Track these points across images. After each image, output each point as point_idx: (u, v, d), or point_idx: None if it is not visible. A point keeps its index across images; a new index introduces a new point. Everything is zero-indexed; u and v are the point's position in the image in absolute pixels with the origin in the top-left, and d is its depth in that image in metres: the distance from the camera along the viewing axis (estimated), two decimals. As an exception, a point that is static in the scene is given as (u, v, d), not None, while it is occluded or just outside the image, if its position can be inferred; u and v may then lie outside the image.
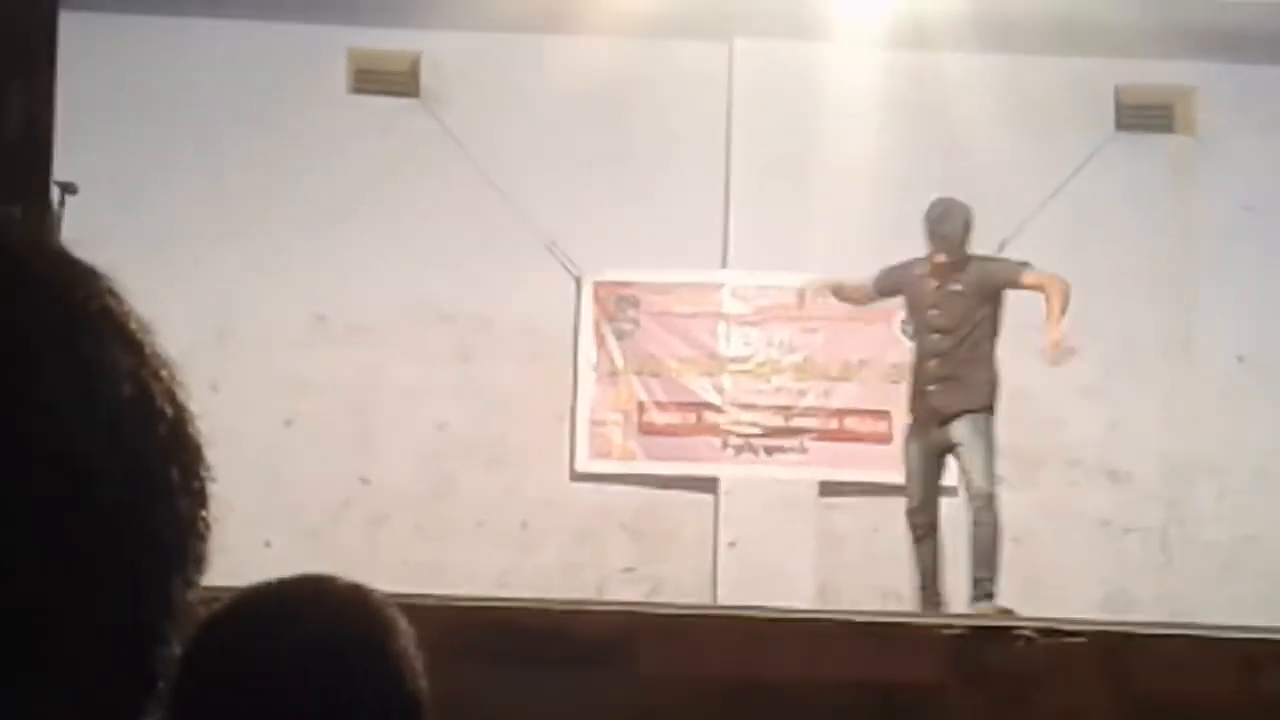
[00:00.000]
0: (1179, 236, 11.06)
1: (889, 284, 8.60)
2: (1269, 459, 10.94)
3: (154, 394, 0.85)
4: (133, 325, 0.86)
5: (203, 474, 0.88)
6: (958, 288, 8.26)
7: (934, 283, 8.29)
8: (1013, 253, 10.36)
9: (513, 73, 10.86)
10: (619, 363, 10.77)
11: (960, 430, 8.19)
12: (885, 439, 10.74)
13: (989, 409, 8.27)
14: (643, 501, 10.79)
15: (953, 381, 8.22)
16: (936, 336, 8.29)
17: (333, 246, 10.64)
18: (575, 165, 10.81)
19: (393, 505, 10.66)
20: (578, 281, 10.80)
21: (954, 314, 8.26)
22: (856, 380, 10.79)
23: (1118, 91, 11.20)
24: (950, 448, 8.26)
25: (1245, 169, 11.08)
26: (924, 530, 8.36)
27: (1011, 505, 10.69)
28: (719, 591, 10.61)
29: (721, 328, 10.83)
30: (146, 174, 10.62)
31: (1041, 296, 8.31)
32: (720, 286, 10.85)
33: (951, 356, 8.25)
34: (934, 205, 8.42)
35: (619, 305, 10.80)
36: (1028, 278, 8.30)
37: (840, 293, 8.91)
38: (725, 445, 10.75)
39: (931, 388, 8.27)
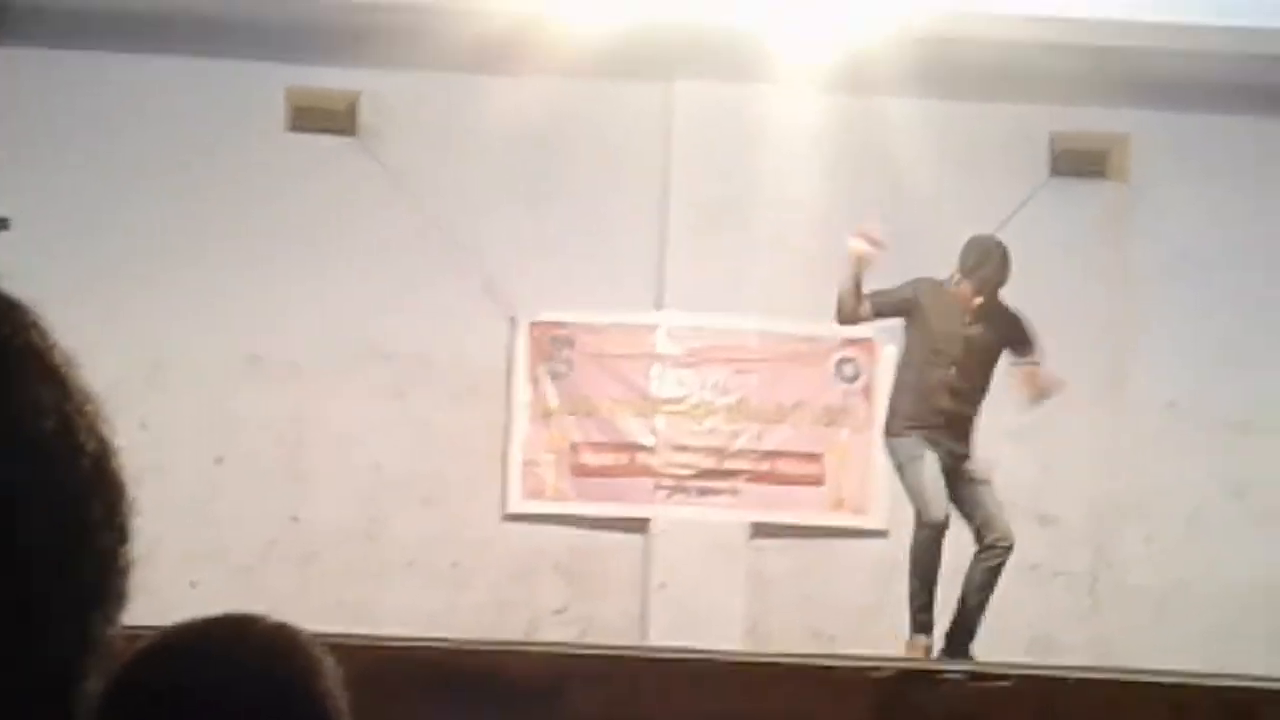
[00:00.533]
0: (1112, 282, 11.15)
1: (894, 306, 8.59)
2: (1198, 505, 11.02)
3: (77, 429, 0.84)
4: (57, 360, 0.85)
5: (126, 511, 0.87)
6: (989, 334, 8.41)
7: (966, 316, 8.38)
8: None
9: (452, 112, 10.86)
10: (553, 403, 10.76)
11: (978, 469, 8.35)
12: (817, 481, 10.77)
13: None
14: (575, 542, 10.77)
15: (964, 421, 8.37)
16: (953, 371, 8.38)
17: (268, 284, 10.60)
18: (513, 205, 10.81)
19: (323, 544, 10.60)
20: (513, 321, 10.79)
21: (975, 355, 8.40)
22: (789, 422, 10.81)
23: (1053, 138, 11.29)
24: (959, 481, 8.31)
25: (1178, 216, 11.18)
26: (941, 533, 8.32)
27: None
28: (649, 633, 10.60)
29: (656, 369, 10.84)
30: (81, 209, 10.56)
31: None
32: (655, 328, 10.87)
33: (962, 395, 8.40)
34: (974, 244, 8.54)
35: (554, 345, 10.79)
36: (1031, 366, 8.47)
37: (843, 309, 8.67)
38: (658, 487, 10.75)
39: (945, 405, 8.32)
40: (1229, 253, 11.14)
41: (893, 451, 8.60)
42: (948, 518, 8.31)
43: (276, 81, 10.83)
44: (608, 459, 10.75)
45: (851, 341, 10.85)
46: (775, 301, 10.80)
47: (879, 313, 8.68)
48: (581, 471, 10.74)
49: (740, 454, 10.78)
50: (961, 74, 10.73)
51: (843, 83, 10.62)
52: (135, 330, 10.44)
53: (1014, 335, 8.51)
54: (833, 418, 10.85)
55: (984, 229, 10.83)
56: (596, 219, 10.87)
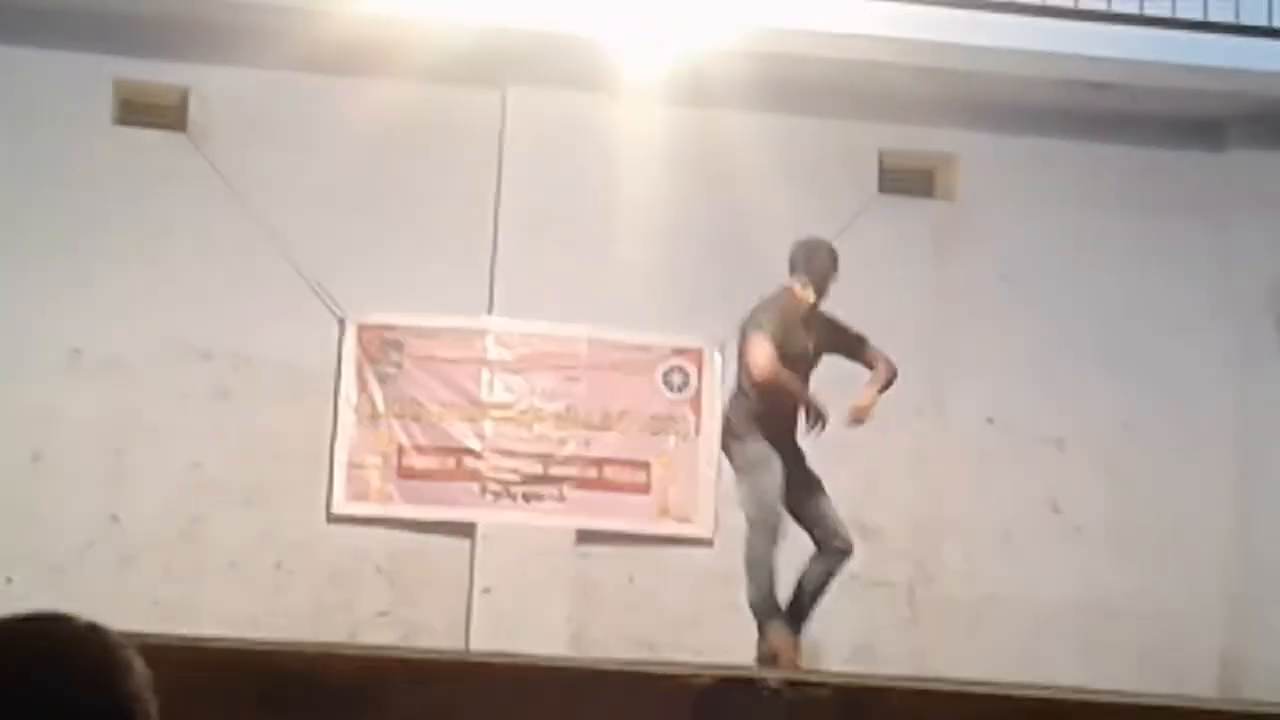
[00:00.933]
0: (935, 299, 11.31)
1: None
2: (1014, 520, 11.22)
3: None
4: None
5: None
6: (808, 342, 8.49)
7: (801, 317, 8.48)
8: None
9: (284, 112, 10.77)
10: (380, 406, 10.71)
11: (812, 478, 8.52)
12: (644, 489, 10.82)
13: None
14: (399, 545, 10.73)
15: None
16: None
17: (92, 279, 10.44)
18: (344, 207, 10.75)
19: (143, 544, 10.46)
20: (341, 323, 10.73)
21: (807, 358, 8.48)
22: (617, 430, 10.85)
23: (882, 155, 11.44)
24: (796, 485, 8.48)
25: (1002, 236, 11.38)
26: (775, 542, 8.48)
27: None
28: (472, 637, 10.58)
29: (485, 374, 10.83)
30: (-101, 197, 10.35)
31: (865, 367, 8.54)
32: (485, 333, 10.86)
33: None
34: (802, 244, 8.60)
35: (382, 348, 10.75)
36: (870, 353, 8.58)
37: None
38: (484, 491, 10.74)
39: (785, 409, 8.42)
40: (1049, 272, 11.36)
41: (735, 455, 8.60)
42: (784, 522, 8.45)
43: (104, 73, 10.68)
44: (434, 463, 10.72)
45: (680, 351, 10.93)
46: (606, 310, 10.84)
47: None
48: (408, 474, 10.70)
49: (567, 460, 10.80)
50: (796, 89, 10.84)
51: (678, 94, 10.69)
52: (-46, 323, 10.25)
53: (839, 340, 8.57)
54: (660, 426, 10.90)
55: (813, 243, 10.97)
56: (428, 222, 10.84)
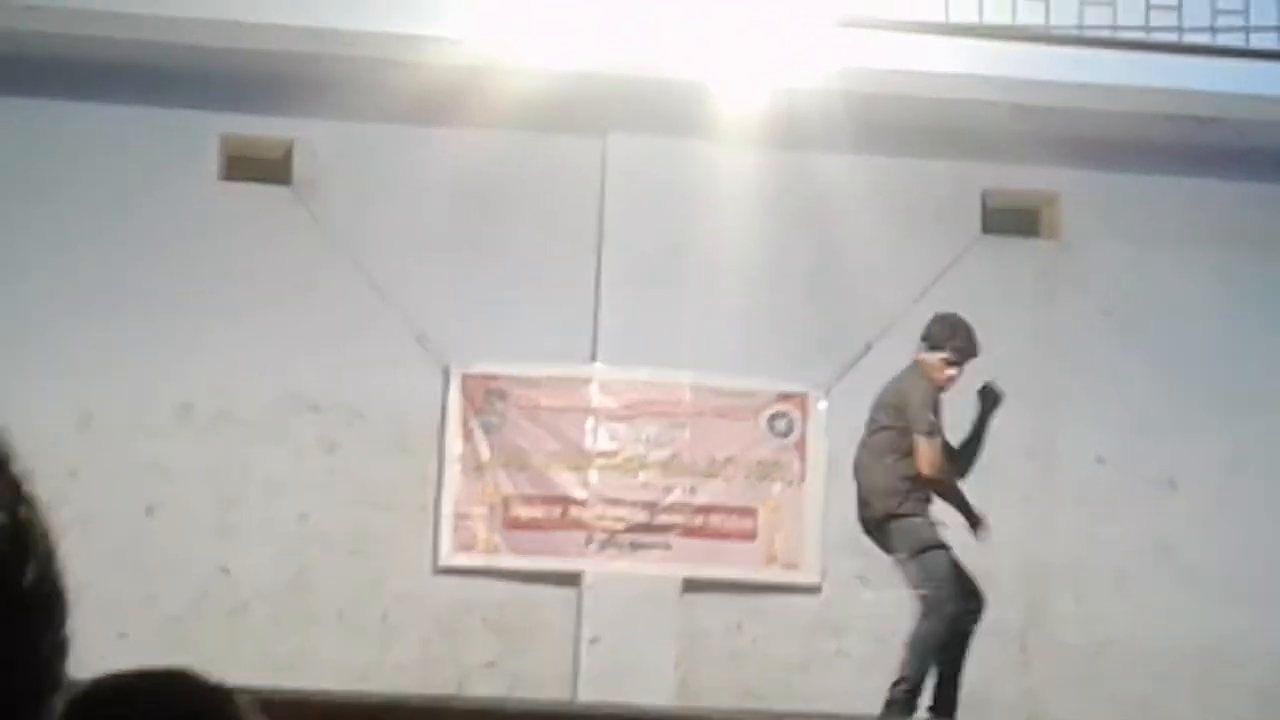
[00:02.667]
0: (1042, 339, 11.21)
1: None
2: (1127, 562, 11.07)
3: (28, 534, 0.81)
4: (8, 462, 0.83)
5: (65, 621, 0.84)
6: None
7: (940, 389, 8.58)
8: (881, 353, 10.47)
9: (386, 162, 10.84)
10: (485, 455, 10.71)
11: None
12: (749, 536, 10.76)
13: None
14: (506, 596, 10.72)
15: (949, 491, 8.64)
16: (938, 440, 8.58)
17: (200, 333, 10.53)
18: (446, 256, 10.79)
19: (253, 596, 10.52)
20: (445, 373, 10.75)
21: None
22: (722, 477, 10.80)
23: (985, 195, 11.36)
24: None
25: (1107, 275, 11.27)
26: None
27: (873, 604, 10.76)
28: (580, 688, 10.55)
29: (589, 422, 10.82)
30: (12, 258, 10.48)
31: None
32: (589, 381, 10.85)
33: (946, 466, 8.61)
34: (946, 319, 8.66)
35: (487, 398, 10.76)
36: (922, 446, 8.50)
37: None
38: (590, 540, 10.71)
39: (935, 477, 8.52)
40: (1155, 310, 11.23)
41: (898, 535, 8.51)
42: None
43: (211, 129, 10.78)
44: (540, 512, 10.71)
45: (784, 396, 10.87)
46: (708, 356, 10.80)
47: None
48: (513, 524, 10.69)
49: (673, 508, 10.76)
50: (896, 131, 10.79)
51: (777, 138, 10.66)
52: (66, 378, 10.35)
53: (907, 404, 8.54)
54: (765, 472, 10.84)
55: (916, 286, 10.93)
56: (531, 271, 10.86)
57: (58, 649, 0.82)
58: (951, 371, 8.48)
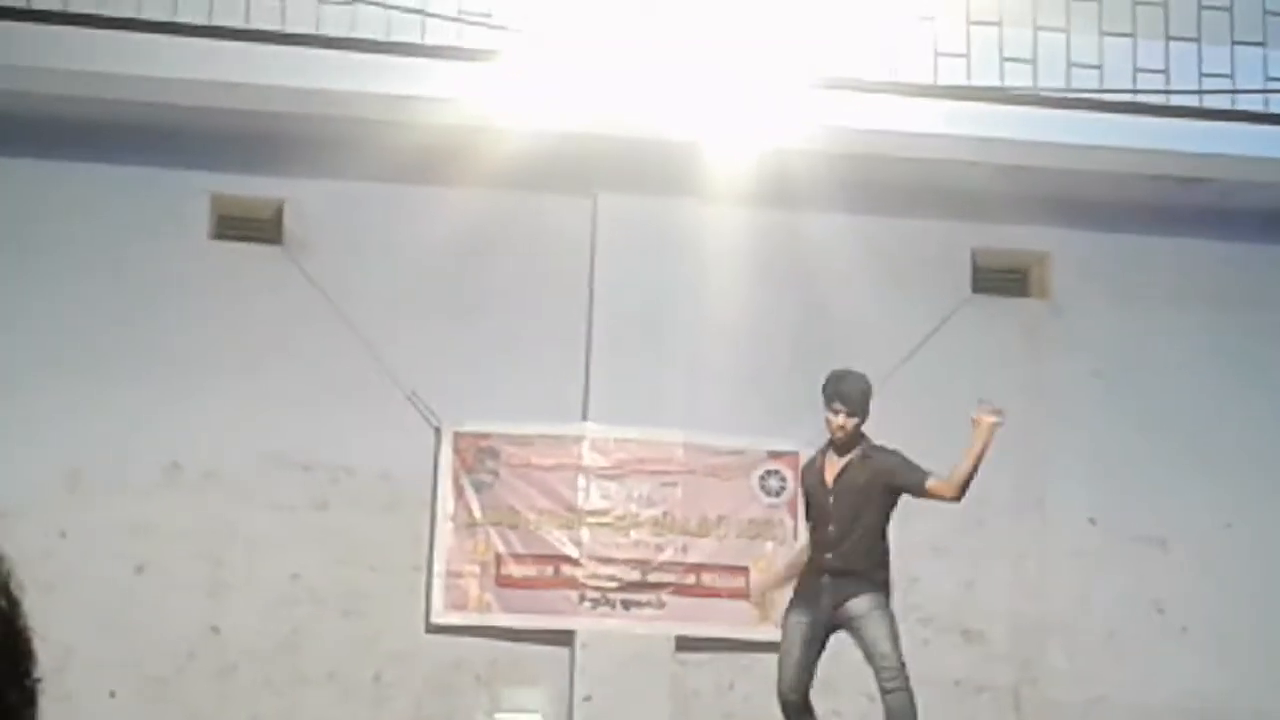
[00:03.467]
0: (1032, 398, 11.23)
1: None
2: (1119, 620, 11.08)
3: None
4: None
5: (32, 670, 0.86)
6: (860, 480, 8.18)
7: (831, 474, 8.22)
8: (871, 412, 10.49)
9: (377, 222, 10.88)
10: (477, 514, 10.72)
11: (859, 605, 8.07)
12: (742, 594, 10.75)
13: (887, 592, 8.23)
14: (498, 654, 10.71)
15: (849, 576, 8.11)
16: (832, 529, 8.16)
17: (190, 392, 10.54)
18: (437, 315, 10.81)
19: (242, 656, 10.49)
20: (437, 432, 10.76)
21: (849, 501, 8.16)
22: (714, 535, 10.81)
23: (974, 254, 11.41)
24: (843, 625, 8.14)
25: (1096, 334, 11.31)
26: (796, 711, 8.17)
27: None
28: (572, 746, 10.53)
29: (581, 481, 10.83)
30: (2, 315, 10.49)
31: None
32: (580, 439, 10.86)
33: (846, 550, 8.14)
34: (833, 372, 8.37)
35: (478, 456, 10.77)
36: (931, 484, 8.19)
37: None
38: (582, 599, 10.71)
39: (824, 579, 8.13)
40: (1145, 370, 11.27)
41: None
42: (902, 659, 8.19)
43: (201, 188, 10.82)
44: (532, 570, 10.71)
45: (776, 455, 10.89)
46: (699, 414, 10.83)
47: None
48: (505, 583, 10.69)
49: (665, 566, 10.76)
50: (885, 190, 10.85)
51: (766, 198, 10.72)
52: (55, 437, 10.36)
53: (896, 477, 8.21)
54: (757, 530, 10.85)
55: (906, 345, 10.97)
56: (521, 330, 10.89)
57: (26, 697, 0.83)
58: (839, 420, 8.27)
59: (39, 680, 0.88)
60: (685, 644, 10.78)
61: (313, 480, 10.66)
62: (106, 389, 10.45)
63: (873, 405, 10.01)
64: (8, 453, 10.32)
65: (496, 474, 10.76)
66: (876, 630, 8.05)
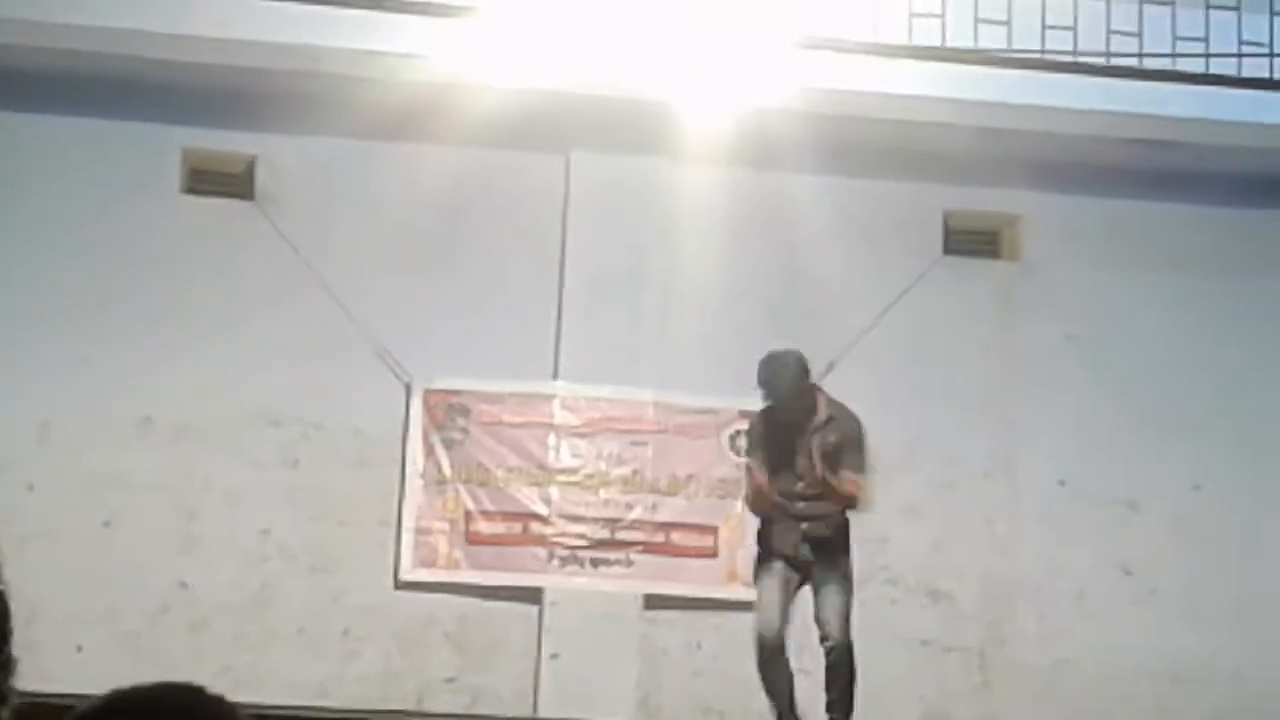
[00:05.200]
0: (1003, 361, 11.26)
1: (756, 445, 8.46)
2: (1088, 583, 11.12)
3: None
4: None
5: (5, 618, 0.85)
6: (829, 440, 8.23)
7: (802, 430, 8.23)
8: (842, 373, 10.51)
9: (349, 178, 10.84)
10: (447, 471, 10.72)
11: (830, 573, 8.22)
12: (711, 553, 10.78)
13: (848, 552, 8.32)
14: (466, 611, 10.72)
15: (823, 537, 8.23)
16: (801, 486, 8.22)
17: (161, 346, 10.51)
18: (409, 272, 10.79)
19: (213, 610, 10.49)
20: (408, 388, 10.75)
21: (822, 466, 8.20)
22: (683, 495, 10.82)
23: (946, 216, 11.42)
24: (809, 581, 8.25)
25: (1067, 296, 11.32)
26: (774, 653, 8.22)
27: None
28: (540, 703, 10.55)
29: (551, 439, 10.83)
30: (-30, 268, 10.45)
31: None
32: (551, 397, 10.86)
33: (819, 511, 8.24)
34: (760, 367, 8.32)
35: (448, 413, 10.76)
36: (848, 479, 8.23)
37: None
38: (551, 556, 10.72)
39: (802, 528, 8.22)
40: (1117, 333, 11.29)
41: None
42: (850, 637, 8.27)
43: (174, 142, 10.77)
44: (501, 528, 10.72)
45: (746, 414, 10.87)
46: (671, 373, 10.83)
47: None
48: (475, 540, 10.70)
49: (634, 525, 10.78)
50: (858, 152, 10.84)
51: (741, 157, 10.70)
52: (25, 391, 10.33)
53: (841, 444, 8.26)
54: (727, 490, 10.85)
55: (878, 306, 10.99)
56: (493, 288, 10.87)
57: (3, 663, 0.83)
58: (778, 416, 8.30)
59: (9, 628, 0.88)
60: (654, 602, 10.80)
61: (283, 436, 10.65)
62: (77, 342, 10.42)
63: (845, 366, 10.04)
64: (-24, 406, 10.28)
65: (467, 431, 10.76)
66: (836, 601, 8.21)
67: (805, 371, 8.36)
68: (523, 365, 10.83)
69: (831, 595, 8.22)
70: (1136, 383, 11.22)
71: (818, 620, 8.25)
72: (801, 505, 8.24)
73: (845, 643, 8.21)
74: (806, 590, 8.33)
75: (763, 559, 8.39)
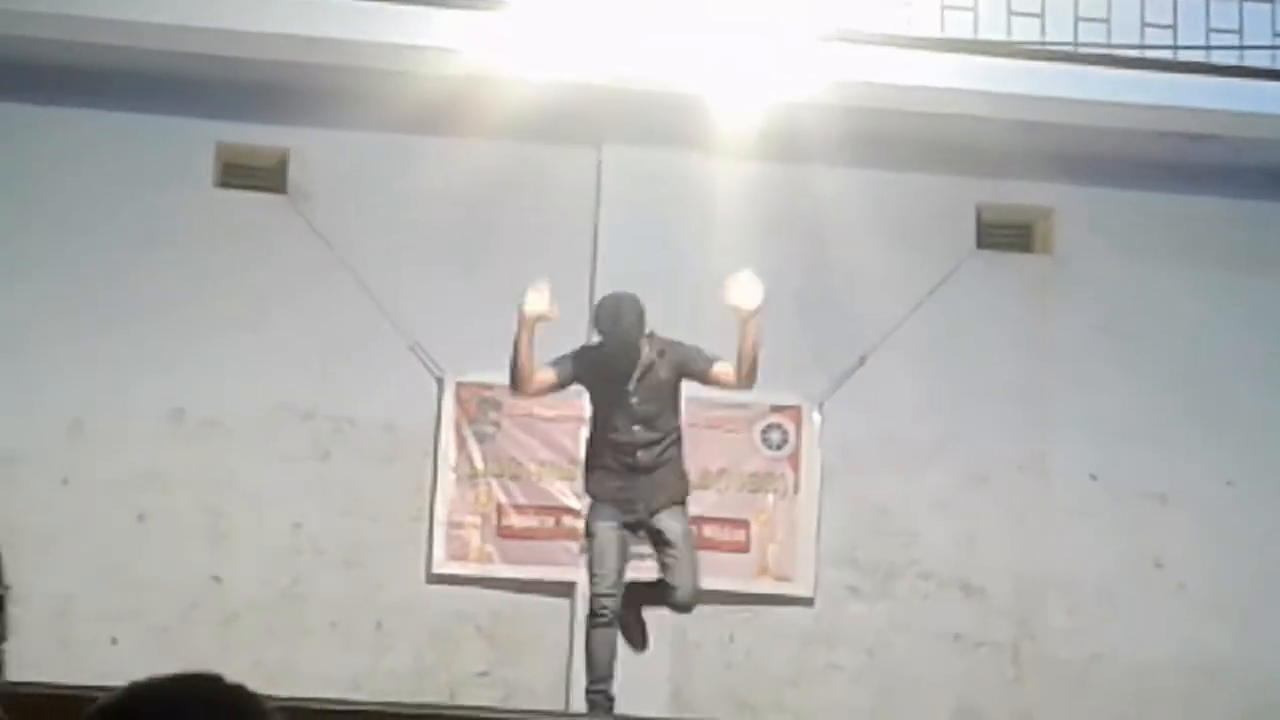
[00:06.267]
0: (1036, 354, 11.23)
1: (574, 372, 8.33)
2: (1119, 578, 11.09)
3: None
4: None
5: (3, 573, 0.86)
6: (662, 375, 8.17)
7: (637, 371, 8.16)
8: (874, 367, 10.50)
9: (381, 172, 10.85)
10: (479, 465, 10.72)
11: (674, 525, 8.08)
12: (743, 548, 10.77)
13: (685, 502, 8.22)
14: (499, 605, 10.73)
15: (661, 484, 8.13)
16: (638, 427, 8.14)
17: (193, 341, 10.53)
18: (441, 266, 10.80)
19: (244, 605, 10.51)
20: (439, 382, 10.76)
21: (658, 403, 8.15)
22: (715, 489, 10.81)
23: (979, 210, 11.39)
24: (649, 533, 8.10)
25: (1100, 290, 11.29)
26: (612, 615, 8.13)
27: (865, 617, 10.80)
28: (572, 698, 10.55)
29: (583, 432, 10.80)
30: (5, 264, 10.48)
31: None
32: (583, 391, 10.84)
33: (656, 446, 8.16)
34: (601, 307, 8.27)
35: (480, 407, 10.77)
36: (717, 369, 8.17)
37: (522, 384, 8.34)
38: (584, 550, 10.71)
39: (639, 480, 8.10)
40: (1150, 327, 11.25)
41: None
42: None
43: (206, 137, 10.79)
44: (533, 522, 10.72)
45: (778, 409, 10.88)
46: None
47: (564, 382, 8.36)
48: (507, 534, 10.70)
49: (666, 519, 10.75)
50: (891, 145, 10.81)
51: (772, 151, 10.68)
52: (58, 385, 10.36)
53: (688, 366, 8.22)
54: (759, 484, 10.85)
55: (910, 300, 10.96)
56: (525, 281, 10.79)
57: None
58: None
59: (8, 588, 0.88)
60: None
61: (315, 430, 10.67)
62: (109, 337, 10.45)
63: (877, 360, 9.99)
64: (10, 401, 10.33)
65: (499, 425, 10.76)
66: (687, 557, 8.06)
67: (643, 316, 8.21)
68: (554, 358, 10.80)
69: (687, 553, 8.10)
70: (1169, 377, 11.18)
71: (671, 580, 8.09)
72: (641, 456, 8.11)
73: (697, 602, 8.14)
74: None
75: (595, 516, 8.22)
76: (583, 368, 8.30)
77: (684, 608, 8.22)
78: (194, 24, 9.74)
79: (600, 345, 8.29)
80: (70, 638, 9.88)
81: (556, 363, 8.32)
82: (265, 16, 9.70)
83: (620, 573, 8.15)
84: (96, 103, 10.57)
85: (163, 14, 9.68)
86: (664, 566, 8.14)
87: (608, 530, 8.13)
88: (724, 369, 8.15)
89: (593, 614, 8.18)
